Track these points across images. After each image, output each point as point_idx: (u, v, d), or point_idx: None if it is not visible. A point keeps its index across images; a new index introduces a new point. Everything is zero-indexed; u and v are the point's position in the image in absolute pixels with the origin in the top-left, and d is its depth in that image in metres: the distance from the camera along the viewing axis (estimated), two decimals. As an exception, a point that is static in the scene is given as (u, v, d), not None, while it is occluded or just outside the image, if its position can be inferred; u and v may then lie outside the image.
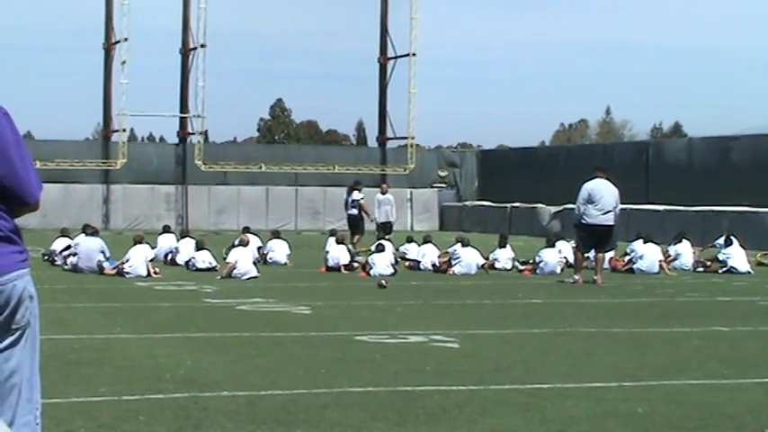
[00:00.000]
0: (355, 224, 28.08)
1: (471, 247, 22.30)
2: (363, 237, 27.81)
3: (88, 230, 22.03)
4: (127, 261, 20.52)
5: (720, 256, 23.41)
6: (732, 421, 7.56)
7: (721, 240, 23.93)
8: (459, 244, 22.40)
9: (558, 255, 22.59)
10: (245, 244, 21.47)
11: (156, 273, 20.37)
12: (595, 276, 19.83)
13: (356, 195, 28.39)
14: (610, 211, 20.12)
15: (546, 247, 22.78)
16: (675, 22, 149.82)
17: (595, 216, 20.08)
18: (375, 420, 7.42)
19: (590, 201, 20.14)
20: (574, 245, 22.26)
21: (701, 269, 23.36)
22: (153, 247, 22.10)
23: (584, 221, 20.19)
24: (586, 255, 20.47)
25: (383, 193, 29.63)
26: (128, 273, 20.23)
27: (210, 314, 14.43)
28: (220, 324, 13.13)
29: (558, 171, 42.56)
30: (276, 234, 25.18)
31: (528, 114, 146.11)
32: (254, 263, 21.06)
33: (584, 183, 20.45)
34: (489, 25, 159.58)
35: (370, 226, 28.76)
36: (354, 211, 28.24)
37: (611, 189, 20.32)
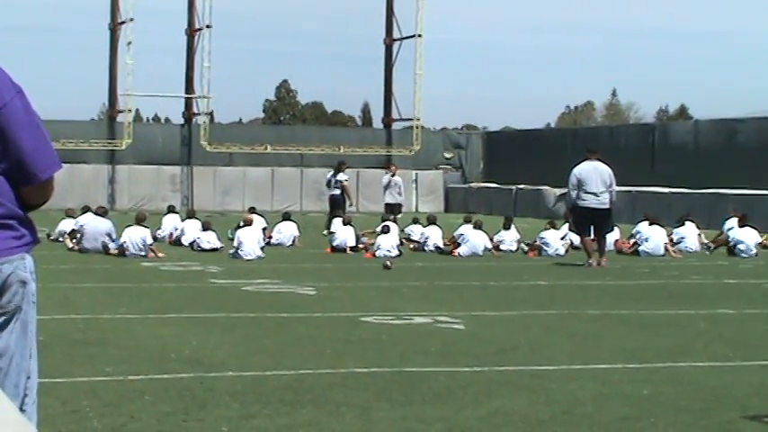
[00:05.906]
0: (338, 205, 27.56)
1: (481, 230, 22.22)
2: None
3: (99, 211, 22.02)
4: (124, 243, 20.45)
5: (731, 235, 23.28)
6: (737, 403, 7.55)
7: (732, 222, 23.84)
8: (471, 225, 22.36)
9: (559, 236, 22.55)
10: (249, 223, 21.44)
11: (159, 255, 20.29)
12: (600, 259, 19.77)
13: (341, 176, 28.19)
14: (604, 192, 19.94)
15: (546, 228, 22.73)
16: (682, 4, 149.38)
17: (590, 199, 19.88)
18: (380, 401, 7.42)
19: (581, 185, 19.92)
20: (569, 229, 22.17)
21: (707, 253, 23.26)
22: (157, 228, 22.06)
23: (580, 204, 19.99)
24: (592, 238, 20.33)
25: (392, 175, 29.52)
26: (127, 250, 20.19)
27: (216, 295, 14.43)
28: (226, 305, 13.14)
29: (563, 153, 42.34)
30: (286, 216, 25.14)
31: (534, 96, 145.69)
32: (261, 247, 20.89)
33: (573, 167, 20.24)
34: (495, 6, 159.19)
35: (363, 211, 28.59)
36: (337, 192, 28.01)
37: (601, 169, 20.04)
